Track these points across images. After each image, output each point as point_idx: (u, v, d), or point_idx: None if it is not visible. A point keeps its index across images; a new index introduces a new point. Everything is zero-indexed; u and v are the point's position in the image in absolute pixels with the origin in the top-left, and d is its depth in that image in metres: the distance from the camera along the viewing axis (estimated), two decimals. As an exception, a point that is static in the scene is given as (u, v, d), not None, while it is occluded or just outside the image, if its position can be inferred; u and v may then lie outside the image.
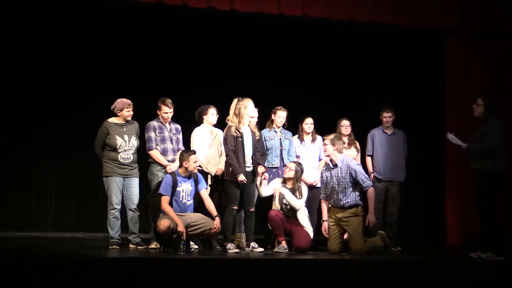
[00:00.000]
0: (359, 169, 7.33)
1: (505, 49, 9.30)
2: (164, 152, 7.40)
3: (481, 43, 9.33)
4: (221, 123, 7.67)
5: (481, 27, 9.15)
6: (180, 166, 7.06)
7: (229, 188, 7.23)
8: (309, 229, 7.48)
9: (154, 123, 7.47)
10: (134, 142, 7.31)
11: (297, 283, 6.00)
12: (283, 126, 7.99)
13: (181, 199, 7.02)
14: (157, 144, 7.38)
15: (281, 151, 7.88)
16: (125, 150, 7.23)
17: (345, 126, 8.23)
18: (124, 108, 7.26)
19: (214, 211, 7.08)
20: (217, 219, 7.00)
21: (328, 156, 7.40)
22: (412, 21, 9.03)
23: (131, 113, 7.31)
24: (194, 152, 7.13)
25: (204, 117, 7.65)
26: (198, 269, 6.00)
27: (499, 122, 6.90)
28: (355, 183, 7.28)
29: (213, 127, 7.68)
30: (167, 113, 7.43)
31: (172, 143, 7.50)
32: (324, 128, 8.33)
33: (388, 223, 8.20)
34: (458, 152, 9.03)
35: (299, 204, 7.45)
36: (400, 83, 9.90)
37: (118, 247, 7.07)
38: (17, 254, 6.36)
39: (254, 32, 9.55)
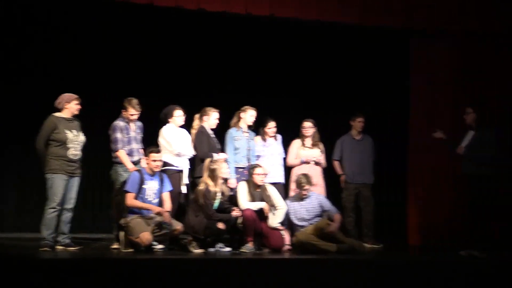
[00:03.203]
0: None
1: (469, 49, 9.38)
2: (130, 153, 7.35)
3: (446, 42, 9.38)
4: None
5: (446, 27, 9.23)
6: (145, 158, 7.06)
7: None
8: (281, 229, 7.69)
9: (120, 123, 7.38)
10: (82, 137, 7.08)
11: (267, 283, 6.10)
12: (249, 126, 8.04)
13: (146, 197, 7.00)
14: (123, 145, 7.33)
15: (248, 151, 7.93)
16: (74, 146, 6.96)
17: (306, 128, 8.35)
18: (73, 101, 7.02)
19: (168, 208, 7.09)
20: (166, 214, 7.01)
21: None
22: (377, 21, 9.06)
23: (79, 106, 7.09)
24: (157, 151, 7.09)
25: (170, 119, 7.66)
26: (173, 269, 6.10)
27: (492, 130, 7.65)
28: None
29: (179, 127, 7.71)
30: (133, 114, 7.39)
31: (137, 143, 7.48)
32: (289, 128, 8.43)
33: (365, 223, 8.53)
34: (420, 154, 9.19)
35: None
36: (366, 83, 9.97)
37: (50, 249, 6.80)
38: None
39: (221, 32, 9.52)
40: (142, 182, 6.94)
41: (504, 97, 9.32)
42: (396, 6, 9.08)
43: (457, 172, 7.77)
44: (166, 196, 7.16)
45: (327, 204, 7.78)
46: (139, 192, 6.94)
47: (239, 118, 8.01)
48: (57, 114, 7.04)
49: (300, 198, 7.73)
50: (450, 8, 9.19)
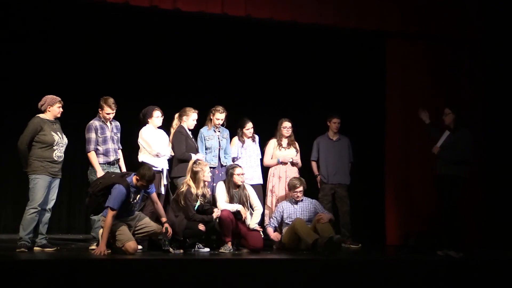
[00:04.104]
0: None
1: (444, 51, 9.49)
2: (106, 153, 7.29)
3: (421, 45, 9.48)
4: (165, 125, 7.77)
5: (421, 30, 9.33)
6: (136, 174, 6.81)
7: None
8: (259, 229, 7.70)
9: (96, 123, 7.32)
10: (66, 140, 7.11)
11: (247, 283, 6.09)
12: (222, 124, 8.02)
13: (131, 208, 6.89)
14: (98, 145, 7.25)
15: (219, 150, 7.92)
16: (59, 148, 6.96)
17: (287, 128, 8.35)
18: (55, 104, 7.00)
19: (163, 216, 7.04)
20: (167, 225, 6.97)
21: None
22: (353, 23, 9.12)
23: (61, 110, 7.07)
24: (151, 179, 6.87)
25: (149, 119, 7.62)
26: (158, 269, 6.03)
27: (468, 131, 7.71)
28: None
29: (157, 129, 7.69)
30: (109, 113, 7.34)
31: (114, 143, 7.41)
32: (267, 128, 8.42)
33: (342, 223, 8.54)
34: (397, 155, 9.26)
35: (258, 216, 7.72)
36: (342, 84, 10.02)
37: (27, 250, 6.74)
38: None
39: (198, 32, 9.49)
40: (128, 197, 6.76)
41: (476, 99, 9.48)
42: (371, 8, 9.16)
43: (433, 173, 7.83)
44: (155, 197, 7.07)
45: (321, 208, 7.95)
46: (124, 204, 6.75)
47: (210, 118, 7.99)
48: (41, 115, 7.03)
49: (295, 201, 7.82)
50: (422, 12, 9.32)
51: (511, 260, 7.13)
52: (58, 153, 6.99)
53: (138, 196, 6.91)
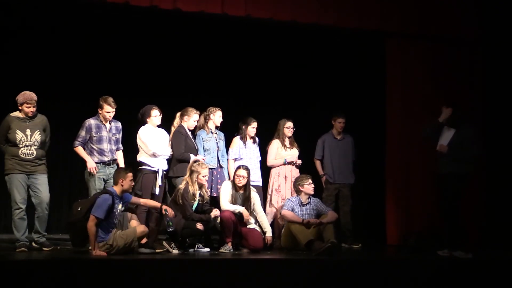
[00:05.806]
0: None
1: (444, 52, 9.49)
2: (100, 153, 7.28)
3: (421, 45, 9.48)
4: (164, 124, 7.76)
5: (421, 30, 9.33)
6: (115, 183, 6.73)
7: None
8: (259, 230, 7.73)
9: (91, 121, 7.30)
10: (38, 137, 6.98)
11: (247, 284, 6.11)
12: (216, 127, 8.03)
13: (114, 220, 6.76)
14: (92, 144, 7.25)
15: (217, 152, 7.92)
16: (26, 146, 6.88)
17: (290, 128, 8.34)
18: (24, 103, 6.94)
19: (157, 204, 7.09)
20: (165, 207, 7.02)
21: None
22: (353, 23, 9.12)
23: (32, 109, 6.96)
24: (130, 170, 6.85)
25: (147, 119, 7.63)
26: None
27: (471, 128, 7.54)
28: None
29: (156, 127, 7.68)
30: (109, 112, 7.31)
31: (110, 143, 7.38)
32: (267, 129, 8.41)
33: (343, 223, 8.53)
34: (397, 155, 9.25)
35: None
36: (342, 85, 10.03)
37: (27, 250, 6.77)
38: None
39: (197, 32, 9.50)
40: (113, 206, 6.64)
41: (476, 99, 9.47)
42: (371, 8, 9.15)
43: (435, 172, 7.78)
44: (136, 200, 7.05)
45: (322, 206, 7.97)
46: (108, 217, 6.62)
47: (207, 120, 7.98)
48: (13, 114, 7.02)
49: (303, 203, 7.84)
50: (422, 12, 9.32)
51: (511, 260, 7.13)
52: (25, 150, 6.91)
53: (120, 207, 6.80)
